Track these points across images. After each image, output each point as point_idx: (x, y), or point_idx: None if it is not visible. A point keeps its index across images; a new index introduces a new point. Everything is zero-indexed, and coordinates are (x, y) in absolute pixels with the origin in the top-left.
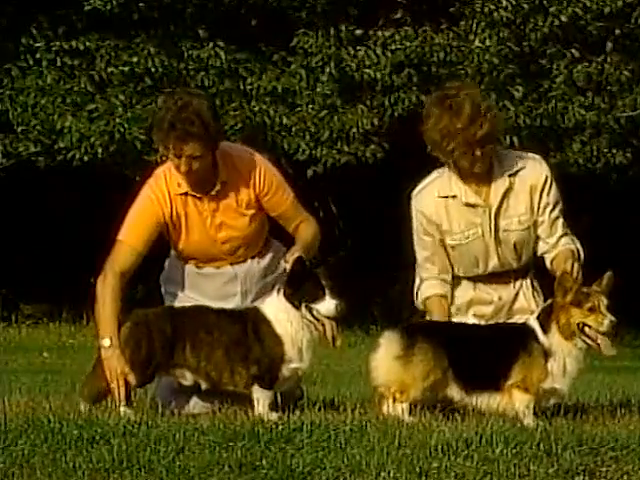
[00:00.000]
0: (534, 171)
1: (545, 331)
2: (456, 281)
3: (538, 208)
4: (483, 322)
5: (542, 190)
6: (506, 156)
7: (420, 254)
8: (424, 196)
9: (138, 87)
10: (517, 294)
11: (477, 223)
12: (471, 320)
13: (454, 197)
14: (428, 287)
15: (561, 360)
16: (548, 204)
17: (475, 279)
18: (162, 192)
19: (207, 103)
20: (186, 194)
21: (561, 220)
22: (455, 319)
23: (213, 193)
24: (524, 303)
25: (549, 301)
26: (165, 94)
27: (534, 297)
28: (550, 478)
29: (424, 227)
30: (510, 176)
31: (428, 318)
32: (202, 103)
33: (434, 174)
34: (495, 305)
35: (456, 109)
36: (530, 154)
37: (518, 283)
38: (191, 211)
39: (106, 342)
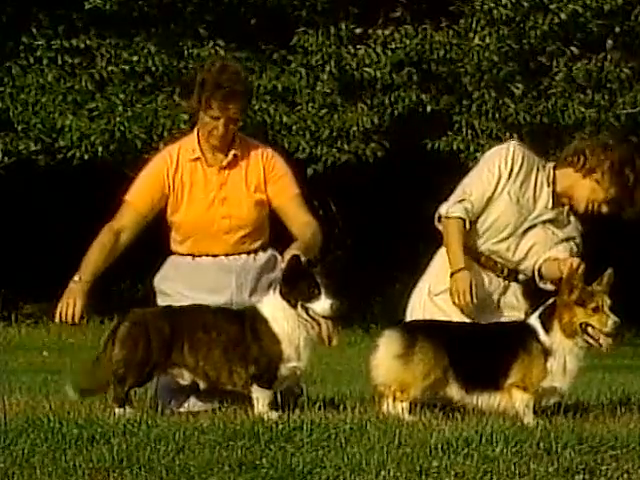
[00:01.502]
0: (578, 223)
1: (547, 330)
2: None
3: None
4: (476, 302)
5: (578, 235)
6: None
7: (478, 182)
8: (528, 156)
9: (139, 86)
10: (506, 290)
11: (532, 209)
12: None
13: (541, 177)
14: (463, 208)
15: (561, 359)
16: (576, 240)
17: (471, 257)
18: (171, 155)
19: (241, 66)
20: (198, 159)
21: (570, 248)
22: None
23: (224, 164)
24: (513, 300)
25: (551, 300)
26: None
27: (523, 297)
28: (550, 477)
29: (499, 176)
30: (568, 214)
31: (449, 234)
32: (238, 65)
33: (532, 153)
34: (486, 288)
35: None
36: None
37: (507, 282)
38: (198, 180)
39: (76, 277)
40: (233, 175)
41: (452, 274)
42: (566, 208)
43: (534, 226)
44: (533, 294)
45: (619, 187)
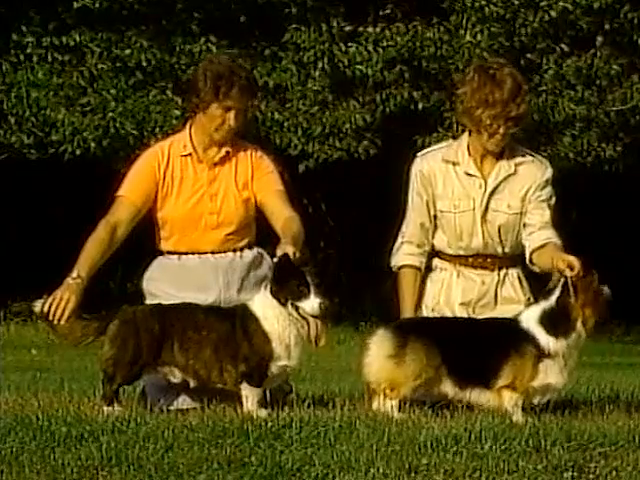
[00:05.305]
0: (539, 169)
1: (539, 328)
2: (442, 265)
3: (530, 200)
4: (470, 310)
5: (539, 185)
6: (519, 148)
7: (408, 215)
8: (427, 157)
9: (130, 81)
10: (503, 283)
11: (470, 195)
12: (457, 310)
13: (456, 164)
14: (406, 254)
15: (553, 357)
16: (540, 196)
17: (459, 262)
18: (162, 149)
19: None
20: (189, 155)
21: (548, 212)
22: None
23: (216, 159)
24: (511, 292)
25: (546, 299)
26: (207, 58)
27: (521, 288)
28: (539, 474)
29: (418, 186)
30: (516, 165)
31: (399, 287)
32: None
33: (443, 143)
34: (478, 289)
35: (499, 81)
36: (540, 156)
37: (502, 272)
38: (188, 176)
39: (74, 274)
40: (223, 172)
41: None
42: (501, 165)
43: (487, 210)
44: (533, 278)
45: (495, 99)
